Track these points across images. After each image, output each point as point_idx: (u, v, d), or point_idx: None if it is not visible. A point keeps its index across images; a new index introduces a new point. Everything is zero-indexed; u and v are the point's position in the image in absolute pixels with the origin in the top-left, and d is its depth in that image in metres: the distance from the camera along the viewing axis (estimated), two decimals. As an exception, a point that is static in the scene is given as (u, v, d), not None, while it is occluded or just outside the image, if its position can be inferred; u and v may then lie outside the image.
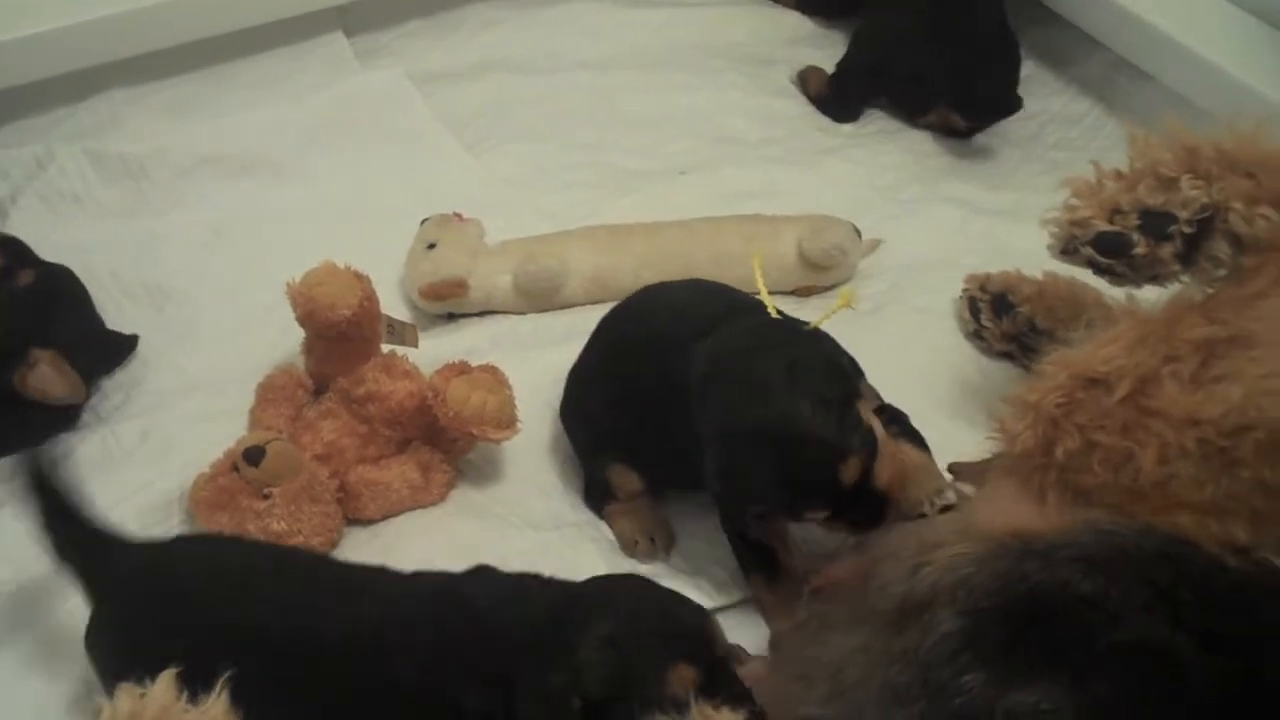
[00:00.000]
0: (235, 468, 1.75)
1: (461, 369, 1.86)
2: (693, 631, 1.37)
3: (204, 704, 1.15)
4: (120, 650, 1.50)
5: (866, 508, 1.53)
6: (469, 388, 1.81)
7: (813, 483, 1.50)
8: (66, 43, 2.28)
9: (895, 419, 1.64)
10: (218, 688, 1.17)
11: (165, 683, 1.14)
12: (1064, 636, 1.26)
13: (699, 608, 1.43)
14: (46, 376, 1.88)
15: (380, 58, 2.63)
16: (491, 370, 1.87)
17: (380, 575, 1.55)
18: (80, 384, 1.92)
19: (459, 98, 2.54)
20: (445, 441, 1.87)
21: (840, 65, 2.56)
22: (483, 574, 1.52)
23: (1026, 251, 1.96)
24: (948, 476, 1.62)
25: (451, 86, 2.57)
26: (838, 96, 2.54)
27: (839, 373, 1.56)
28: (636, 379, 1.75)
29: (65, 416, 1.95)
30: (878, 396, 1.68)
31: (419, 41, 2.68)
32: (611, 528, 1.82)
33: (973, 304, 2.05)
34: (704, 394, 1.57)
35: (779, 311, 1.68)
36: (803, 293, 2.15)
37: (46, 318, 1.95)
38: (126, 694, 1.13)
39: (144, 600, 1.53)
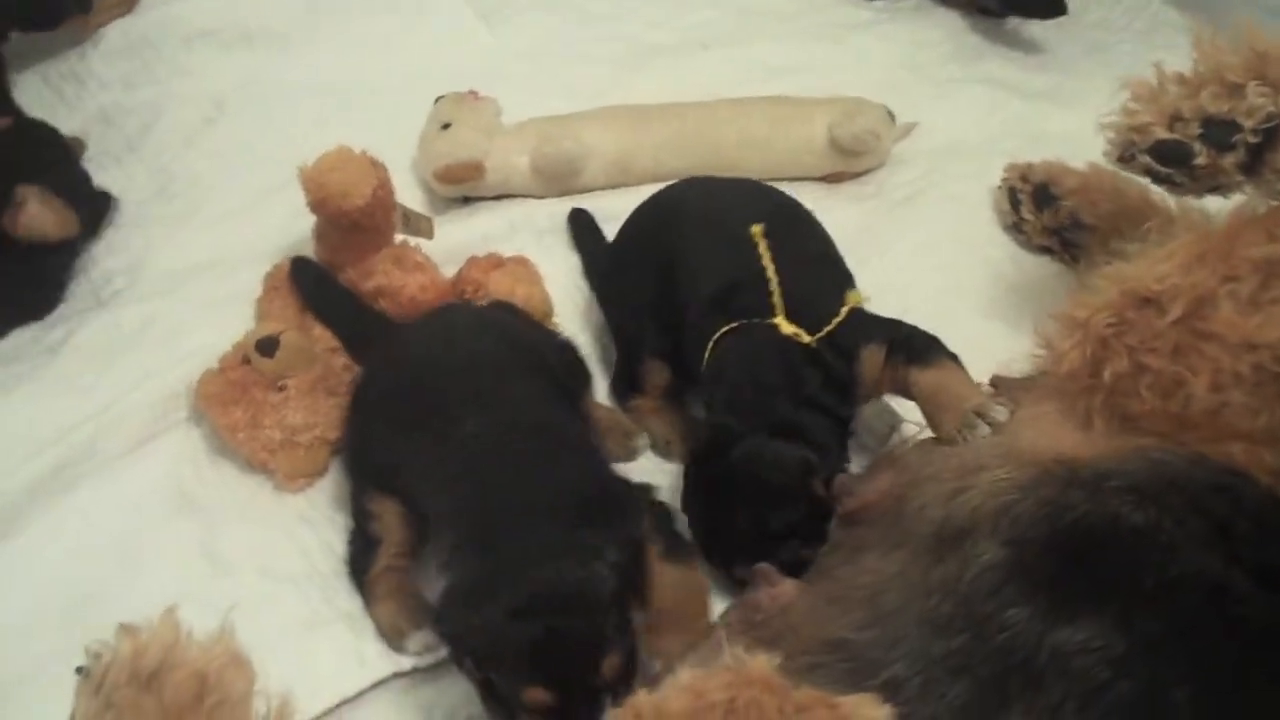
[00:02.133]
0: (246, 360, 1.69)
1: (496, 262, 1.82)
2: (580, 652, 1.30)
3: (210, 640, 1.10)
4: (369, 415, 1.61)
5: None
6: (512, 280, 1.78)
7: None
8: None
9: (913, 348, 1.55)
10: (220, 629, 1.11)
11: (167, 621, 1.09)
12: (1114, 571, 1.21)
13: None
14: (37, 214, 1.83)
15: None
16: (524, 262, 1.83)
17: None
18: (73, 218, 1.87)
19: (473, -36, 2.44)
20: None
21: None
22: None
23: (1065, 135, 1.91)
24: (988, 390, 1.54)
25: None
26: None
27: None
28: (675, 286, 1.68)
29: (61, 263, 1.91)
30: None
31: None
32: (640, 424, 1.75)
33: (1013, 195, 1.96)
34: None
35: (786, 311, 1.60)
36: (833, 179, 2.06)
37: (29, 160, 1.89)
38: (126, 634, 1.08)
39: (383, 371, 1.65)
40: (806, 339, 1.57)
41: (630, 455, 1.71)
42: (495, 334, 1.67)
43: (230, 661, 1.08)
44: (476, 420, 1.48)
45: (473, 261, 1.84)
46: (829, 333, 1.57)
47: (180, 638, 1.07)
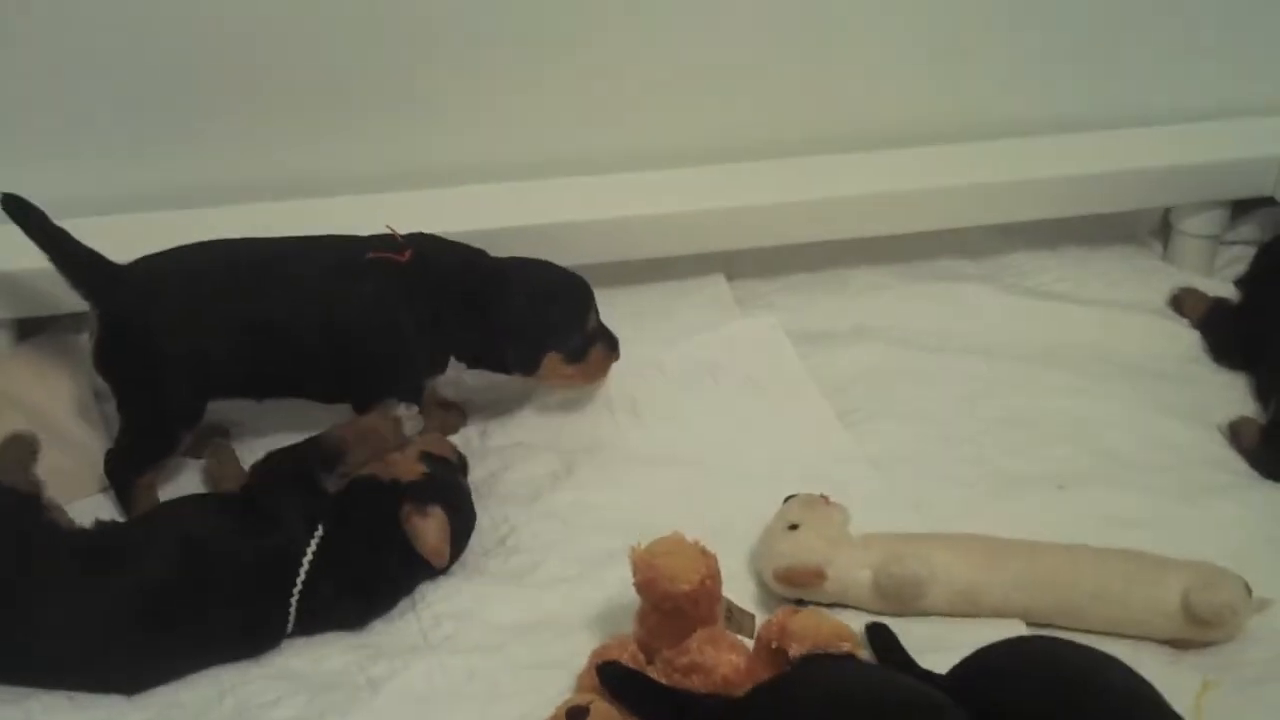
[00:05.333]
0: (558, 729, 1.68)
1: (793, 610, 1.80)
2: None
3: None
4: None
5: None
6: (815, 617, 1.76)
7: None
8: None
9: None
10: None
11: None
12: None
13: None
14: (430, 528, 1.94)
15: (758, 308, 2.58)
16: (817, 610, 1.82)
17: None
18: (446, 552, 1.96)
19: (834, 361, 2.47)
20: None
21: (1272, 420, 2.38)
22: None
23: None
24: None
25: (828, 348, 2.49)
26: (1273, 452, 2.34)
27: None
28: None
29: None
30: None
31: (799, 297, 2.63)
32: None
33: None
34: None
35: None
36: (1178, 645, 1.97)
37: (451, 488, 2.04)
38: None
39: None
40: None
41: None
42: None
43: None
44: None
45: (771, 616, 1.81)
46: None
47: None
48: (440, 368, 2.18)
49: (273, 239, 2.13)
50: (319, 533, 1.91)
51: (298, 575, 1.88)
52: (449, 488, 2.03)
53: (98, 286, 2.04)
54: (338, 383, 2.13)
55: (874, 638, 1.89)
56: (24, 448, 2.00)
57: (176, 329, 2.04)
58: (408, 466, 2.00)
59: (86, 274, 2.03)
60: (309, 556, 1.89)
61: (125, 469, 2.11)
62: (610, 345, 2.23)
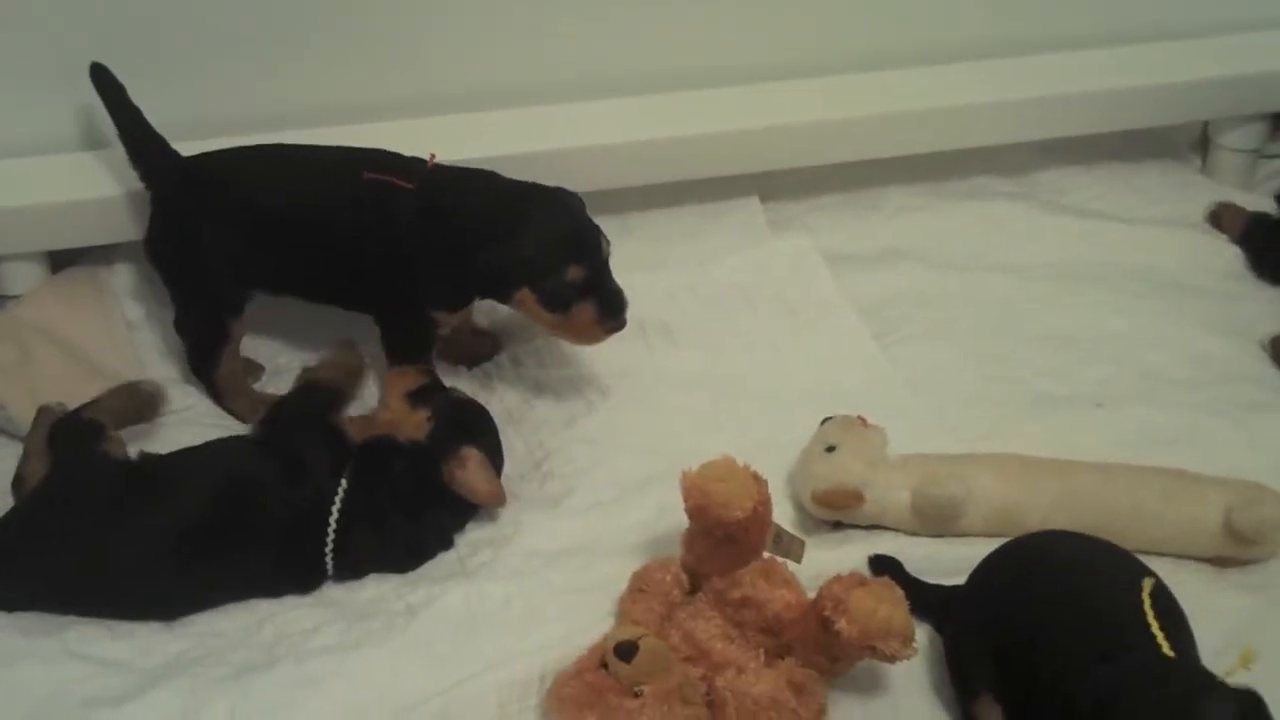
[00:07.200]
0: (604, 664, 1.66)
1: (859, 580, 1.74)
2: None
3: None
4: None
5: None
6: (874, 600, 1.68)
7: None
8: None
9: None
10: None
11: None
12: None
13: None
14: (475, 472, 1.92)
15: (792, 230, 2.56)
16: (888, 585, 1.74)
17: None
18: (502, 492, 1.95)
19: (868, 282, 2.45)
20: (823, 658, 1.73)
21: None
22: None
23: None
24: None
25: (862, 269, 2.48)
26: None
27: None
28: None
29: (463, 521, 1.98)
30: None
31: (832, 218, 2.61)
32: None
33: None
34: None
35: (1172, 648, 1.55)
36: (1218, 563, 1.96)
37: (473, 427, 2.00)
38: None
39: None
40: None
41: None
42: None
43: None
44: None
45: (835, 579, 1.75)
46: None
47: None
48: (456, 298, 2.14)
49: (326, 147, 2.16)
50: (344, 487, 1.90)
51: (328, 527, 1.88)
52: (459, 417, 2.01)
53: (154, 168, 2.13)
54: (349, 286, 2.14)
55: (878, 568, 1.90)
56: (142, 401, 2.04)
57: (209, 214, 2.10)
58: (413, 423, 1.99)
59: (146, 154, 2.12)
60: (336, 511, 1.89)
61: (195, 365, 2.19)
62: (607, 310, 2.05)
